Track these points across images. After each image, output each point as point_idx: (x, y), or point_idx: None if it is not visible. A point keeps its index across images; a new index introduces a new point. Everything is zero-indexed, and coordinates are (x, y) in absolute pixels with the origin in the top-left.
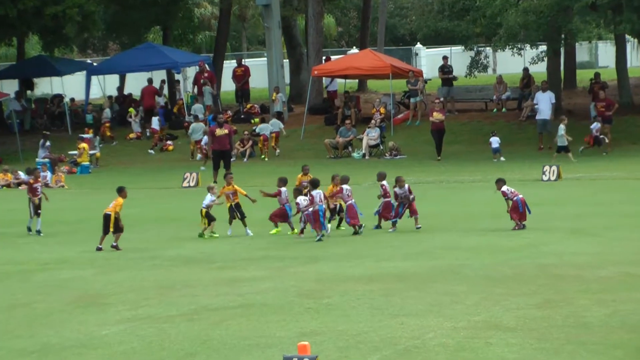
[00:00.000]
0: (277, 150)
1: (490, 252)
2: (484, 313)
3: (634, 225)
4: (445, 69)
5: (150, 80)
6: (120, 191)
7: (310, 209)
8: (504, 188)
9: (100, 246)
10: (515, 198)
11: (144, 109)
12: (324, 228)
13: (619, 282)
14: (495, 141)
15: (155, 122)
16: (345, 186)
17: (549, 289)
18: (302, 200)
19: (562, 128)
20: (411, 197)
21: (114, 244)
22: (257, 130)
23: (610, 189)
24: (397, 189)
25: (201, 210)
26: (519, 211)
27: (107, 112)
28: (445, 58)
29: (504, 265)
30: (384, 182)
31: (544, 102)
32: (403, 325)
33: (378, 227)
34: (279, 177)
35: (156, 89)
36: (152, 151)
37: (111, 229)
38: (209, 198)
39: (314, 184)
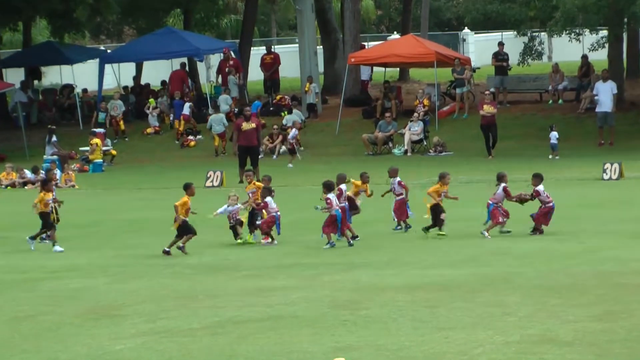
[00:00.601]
0: (299, 148)
1: (544, 258)
2: (538, 326)
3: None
4: (500, 57)
5: (183, 65)
6: (187, 188)
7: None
8: (540, 187)
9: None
10: (550, 204)
11: (170, 96)
12: (338, 235)
13: None
14: (553, 136)
15: (187, 108)
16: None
17: (610, 300)
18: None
19: None
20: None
21: (181, 245)
22: (284, 123)
23: None
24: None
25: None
26: (547, 218)
27: (119, 104)
28: (501, 44)
29: (559, 273)
30: (398, 179)
31: (605, 93)
32: (448, 339)
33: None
34: (324, 181)
35: (186, 74)
36: (178, 142)
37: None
38: (223, 208)
39: (328, 187)
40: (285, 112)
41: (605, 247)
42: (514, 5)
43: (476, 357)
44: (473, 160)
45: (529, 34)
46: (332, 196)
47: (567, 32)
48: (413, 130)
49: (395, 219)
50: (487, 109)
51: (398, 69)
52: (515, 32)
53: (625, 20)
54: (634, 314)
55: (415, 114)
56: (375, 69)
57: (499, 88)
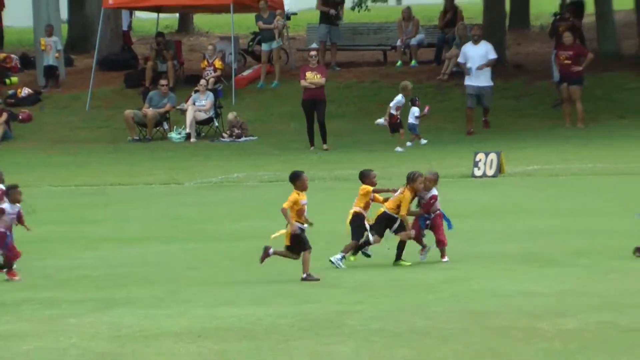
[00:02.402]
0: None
1: (392, 291)
2: None
3: (619, 249)
4: None
5: None
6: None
7: None
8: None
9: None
10: (438, 211)
11: None
12: None
13: (597, 339)
14: (413, 114)
15: None
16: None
17: (485, 351)
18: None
19: None
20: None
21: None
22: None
23: (582, 190)
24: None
25: None
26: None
27: None
28: None
29: (411, 314)
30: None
31: (477, 60)
32: None
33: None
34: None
35: None
36: None
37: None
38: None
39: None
40: (14, 78)
41: (480, 275)
42: None
43: None
44: (288, 148)
45: None
46: None
47: None
48: (199, 104)
49: None
50: (311, 78)
51: (177, 14)
52: None
53: None
54: None
55: (203, 81)
56: (144, 14)
57: (325, 43)
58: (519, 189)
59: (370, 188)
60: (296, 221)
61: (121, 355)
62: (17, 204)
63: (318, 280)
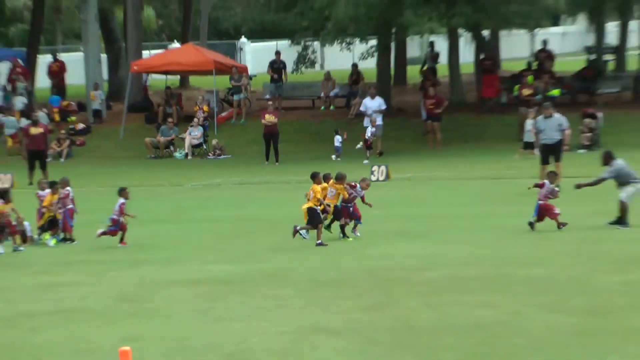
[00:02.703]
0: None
1: (317, 254)
2: (310, 317)
3: (462, 227)
4: (275, 65)
5: None
6: (315, 177)
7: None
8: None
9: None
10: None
11: None
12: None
13: (447, 285)
14: (337, 140)
15: None
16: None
17: (377, 292)
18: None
19: (529, 123)
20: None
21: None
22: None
23: (440, 189)
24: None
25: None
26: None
27: None
28: (277, 53)
29: (330, 269)
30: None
31: (373, 109)
32: (227, 329)
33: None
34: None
35: None
36: None
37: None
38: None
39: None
40: (73, 118)
41: (373, 244)
42: (289, 15)
43: (253, 346)
44: (250, 162)
45: (302, 43)
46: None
47: (339, 41)
48: (193, 134)
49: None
50: (269, 118)
51: (179, 76)
52: (289, 42)
53: (394, 30)
54: (398, 305)
55: (195, 119)
56: (157, 76)
57: (275, 95)
58: (400, 189)
59: (317, 187)
60: (313, 205)
61: (145, 294)
62: (123, 199)
63: (327, 245)
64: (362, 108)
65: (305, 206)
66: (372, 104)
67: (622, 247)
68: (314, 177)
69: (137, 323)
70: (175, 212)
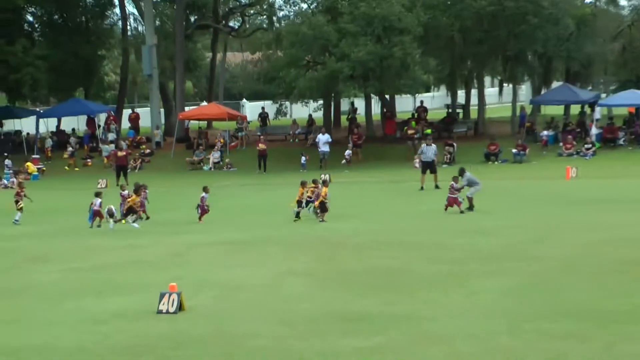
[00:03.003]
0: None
1: (290, 228)
2: (285, 265)
3: (376, 211)
4: (263, 115)
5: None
6: (325, 182)
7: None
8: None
9: None
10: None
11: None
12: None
13: (369, 246)
14: (303, 159)
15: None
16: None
17: (325, 251)
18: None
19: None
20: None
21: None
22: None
23: (362, 189)
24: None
25: None
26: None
27: (48, 141)
28: (263, 108)
29: (298, 237)
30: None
31: (323, 141)
32: (234, 272)
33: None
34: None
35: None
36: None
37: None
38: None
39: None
40: (144, 147)
41: (323, 222)
42: (271, 85)
43: (252, 281)
44: (248, 172)
45: (279, 102)
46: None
47: (301, 101)
48: (214, 156)
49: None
50: (261, 146)
51: (206, 121)
52: (272, 101)
53: (333, 95)
54: (337, 259)
55: (216, 147)
56: (194, 122)
57: (262, 133)
58: (338, 189)
59: (326, 189)
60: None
61: (184, 252)
62: (205, 194)
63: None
64: (316, 140)
65: (318, 202)
66: (323, 137)
67: (469, 223)
68: (324, 183)
69: (179, 269)
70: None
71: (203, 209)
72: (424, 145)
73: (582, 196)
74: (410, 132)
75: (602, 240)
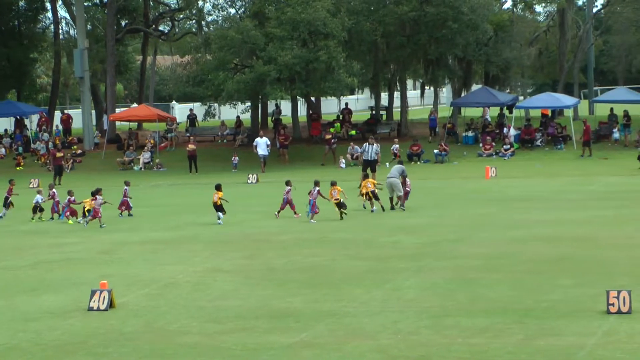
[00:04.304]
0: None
1: (216, 226)
2: (213, 262)
3: (303, 209)
4: (192, 116)
5: (21, 120)
6: (334, 183)
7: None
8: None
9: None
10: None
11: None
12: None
13: (293, 243)
14: (236, 159)
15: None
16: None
17: (251, 248)
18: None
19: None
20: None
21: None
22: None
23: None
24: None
25: None
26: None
27: None
28: (191, 110)
29: (224, 234)
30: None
31: (262, 145)
32: (163, 270)
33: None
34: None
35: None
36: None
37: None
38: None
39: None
40: (75, 147)
41: (249, 220)
42: (200, 88)
43: (179, 279)
44: (177, 172)
45: (208, 104)
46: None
47: (229, 103)
48: (145, 157)
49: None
50: (190, 146)
51: (137, 123)
52: (200, 103)
53: (260, 97)
54: (264, 256)
55: (146, 147)
56: (125, 123)
57: (191, 134)
58: (265, 188)
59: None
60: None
61: (115, 249)
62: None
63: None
64: (254, 143)
65: (334, 200)
66: (261, 141)
67: (394, 220)
68: (333, 184)
69: (109, 267)
70: (135, 200)
71: (125, 202)
72: (365, 144)
73: (501, 195)
74: (327, 137)
75: (520, 239)
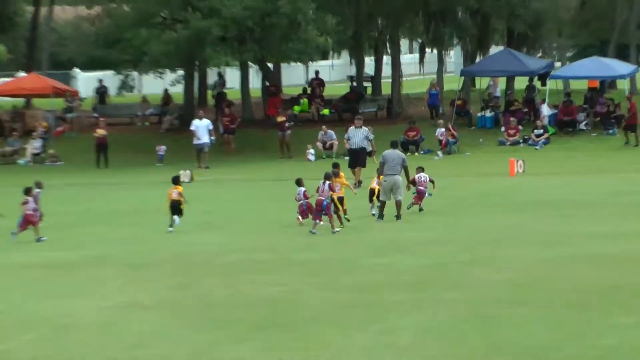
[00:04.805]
0: None
1: (132, 242)
2: (128, 294)
3: (253, 219)
4: (101, 90)
5: None
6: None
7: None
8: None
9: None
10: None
11: None
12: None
13: (240, 266)
14: (161, 150)
15: None
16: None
17: (182, 274)
18: None
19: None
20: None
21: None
22: None
23: (236, 189)
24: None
25: None
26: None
27: None
28: (100, 81)
29: (143, 254)
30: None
31: (202, 129)
32: (59, 305)
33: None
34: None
35: None
36: None
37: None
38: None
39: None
40: None
41: (178, 234)
42: (114, 51)
43: (79, 320)
44: (80, 168)
45: (124, 73)
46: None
47: (153, 71)
48: (34, 145)
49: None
50: (100, 132)
51: (24, 98)
52: (114, 72)
53: (197, 63)
54: (201, 285)
55: (35, 133)
56: (6, 98)
57: (100, 114)
58: (202, 189)
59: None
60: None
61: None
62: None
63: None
64: (192, 127)
65: (336, 196)
66: (201, 124)
67: (387, 235)
68: (336, 174)
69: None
70: (18, 208)
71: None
72: (351, 128)
73: (532, 199)
74: (280, 119)
75: (558, 259)
